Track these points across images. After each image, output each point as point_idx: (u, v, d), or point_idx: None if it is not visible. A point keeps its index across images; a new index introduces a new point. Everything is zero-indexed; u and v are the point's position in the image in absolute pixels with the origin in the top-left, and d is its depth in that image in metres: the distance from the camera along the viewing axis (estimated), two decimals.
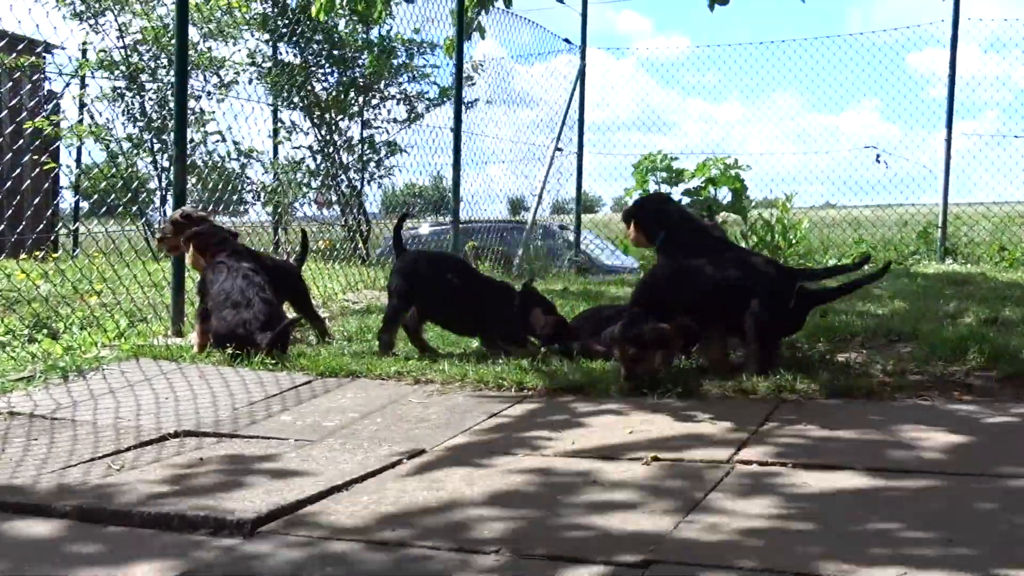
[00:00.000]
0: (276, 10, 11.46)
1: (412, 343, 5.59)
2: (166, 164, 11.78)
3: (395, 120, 12.38)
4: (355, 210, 12.16)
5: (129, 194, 11.51)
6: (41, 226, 8.49)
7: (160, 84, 11.90)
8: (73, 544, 2.77)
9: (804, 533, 2.60)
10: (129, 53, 11.99)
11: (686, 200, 11.95)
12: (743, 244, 11.59)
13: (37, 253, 8.57)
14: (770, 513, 2.79)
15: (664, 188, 12.03)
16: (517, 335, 5.34)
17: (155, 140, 11.92)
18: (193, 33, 11.49)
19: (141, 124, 12.05)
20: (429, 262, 5.74)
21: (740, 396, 4.31)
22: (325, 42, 11.86)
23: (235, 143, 10.85)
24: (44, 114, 11.03)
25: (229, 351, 5.42)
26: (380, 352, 5.44)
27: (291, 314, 5.95)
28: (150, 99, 12.04)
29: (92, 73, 12.10)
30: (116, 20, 11.90)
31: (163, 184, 12.12)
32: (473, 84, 11.82)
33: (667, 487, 3.08)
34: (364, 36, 11.96)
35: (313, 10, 7.78)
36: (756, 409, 4.07)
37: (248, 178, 11.70)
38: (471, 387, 4.72)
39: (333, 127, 12.06)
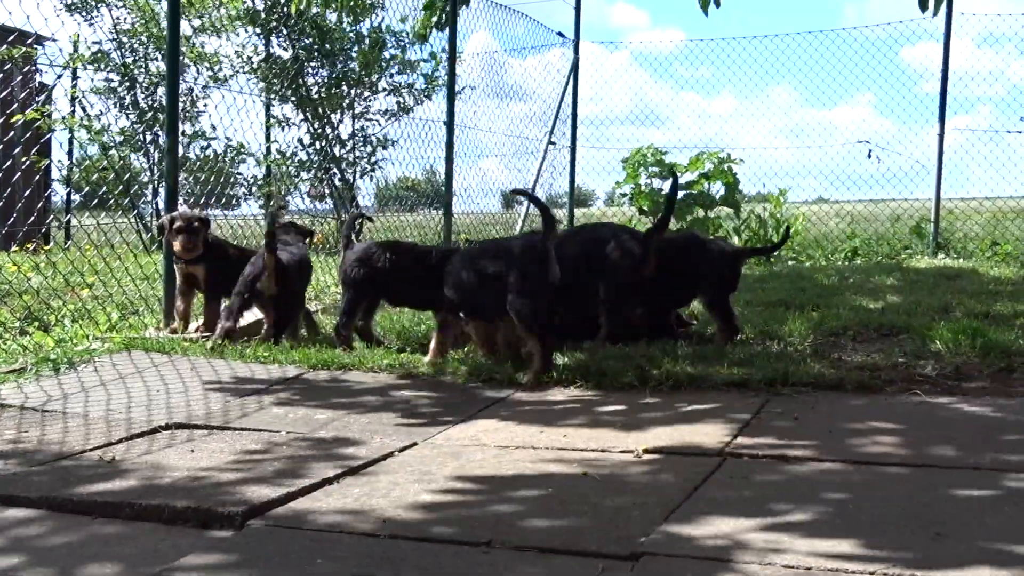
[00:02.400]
0: (266, 4, 11.41)
1: (360, 337, 5.57)
2: (158, 157, 11.74)
3: (385, 111, 12.35)
4: (348, 203, 12.14)
5: (121, 187, 11.47)
6: (32, 219, 8.47)
7: (151, 77, 11.86)
8: (65, 535, 2.76)
9: (796, 525, 2.60)
10: (122, 46, 11.95)
11: (681, 193, 11.95)
12: (736, 239, 11.63)
13: (28, 245, 8.55)
14: (762, 506, 2.80)
15: (656, 182, 12.04)
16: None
17: (147, 133, 11.88)
18: (185, 27, 11.46)
19: (133, 117, 12.01)
20: (383, 248, 5.64)
21: (733, 389, 4.31)
22: (316, 36, 11.83)
23: (227, 139, 10.82)
24: (35, 106, 10.98)
25: (220, 342, 5.45)
26: (340, 345, 5.38)
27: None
28: (142, 92, 12.00)
29: (84, 66, 12.05)
30: (111, 14, 11.87)
31: (155, 176, 12.08)
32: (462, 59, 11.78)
33: (658, 479, 3.08)
34: (354, 29, 11.91)
35: (292, 7, 7.70)
36: (748, 402, 4.07)
37: (240, 174, 11.68)
38: (463, 379, 4.72)
39: (325, 120, 12.03)
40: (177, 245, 5.87)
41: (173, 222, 5.90)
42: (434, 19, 8.49)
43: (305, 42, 11.64)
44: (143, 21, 11.62)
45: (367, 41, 11.82)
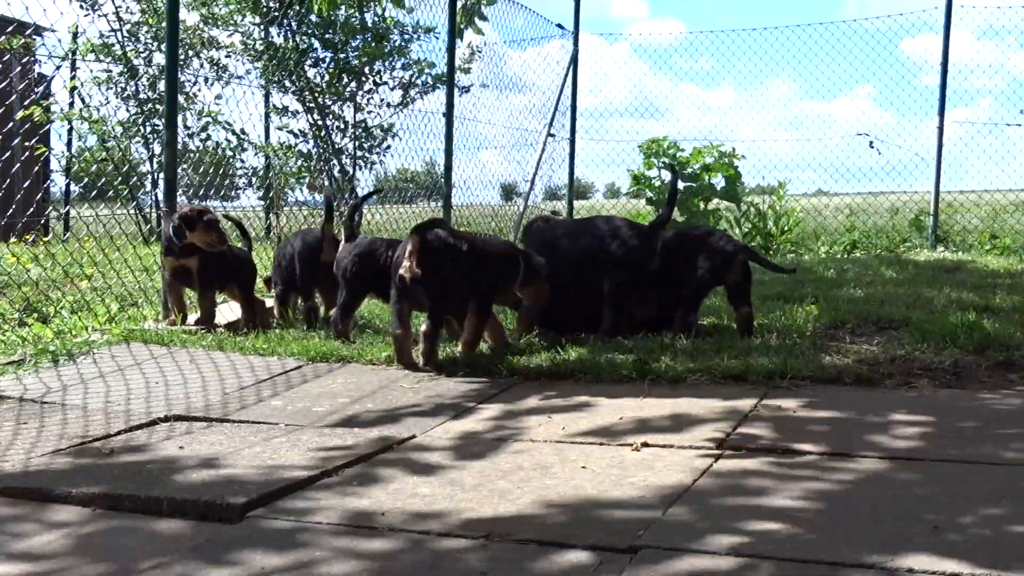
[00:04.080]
0: None
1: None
2: (158, 148, 11.72)
3: (388, 104, 12.33)
4: (347, 195, 12.12)
5: (120, 178, 11.46)
6: (31, 210, 8.46)
7: (153, 68, 11.84)
8: (65, 528, 2.77)
9: (795, 518, 2.61)
10: (124, 37, 11.92)
11: (682, 185, 11.96)
12: (736, 231, 11.63)
13: (27, 237, 8.54)
14: (760, 499, 2.80)
15: (666, 173, 12.03)
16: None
17: (146, 124, 11.87)
18: (188, 17, 11.45)
19: (134, 109, 11.98)
20: (386, 245, 5.50)
21: (731, 382, 4.31)
22: (319, 26, 11.79)
23: (229, 125, 10.77)
24: (35, 97, 10.96)
25: (221, 332, 5.49)
26: (338, 339, 5.27)
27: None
28: (143, 83, 11.97)
29: (83, 57, 12.03)
30: (114, 3, 11.83)
31: (154, 168, 12.06)
32: (469, 71, 11.78)
33: (657, 472, 3.09)
34: (358, 19, 11.87)
35: (315, 6, 7.63)
36: (747, 395, 4.08)
37: (242, 161, 11.66)
38: (462, 372, 4.72)
39: (325, 111, 12.01)
40: (210, 239, 5.78)
41: (202, 215, 5.79)
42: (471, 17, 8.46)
43: (306, 29, 11.59)
44: (144, 11, 11.59)
45: (370, 33, 11.77)
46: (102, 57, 11.94)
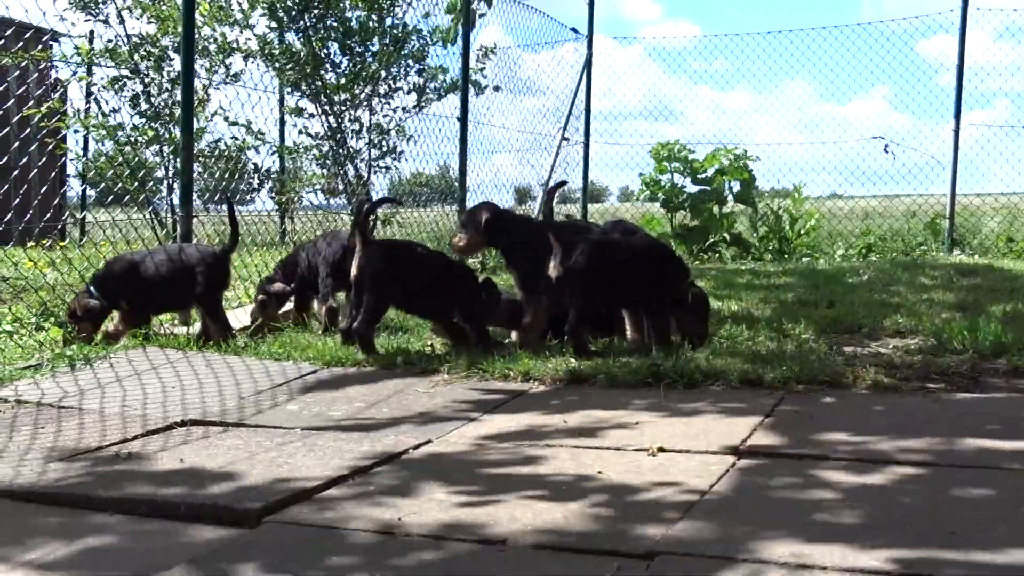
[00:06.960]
0: None
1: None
2: (172, 156, 11.75)
3: (403, 109, 12.34)
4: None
5: (136, 183, 11.50)
6: (48, 215, 8.52)
7: (165, 73, 11.87)
8: (82, 531, 2.78)
9: (811, 525, 2.60)
10: (134, 42, 11.95)
11: (696, 188, 11.96)
12: (752, 235, 11.62)
13: (44, 241, 8.58)
14: (776, 505, 2.79)
15: (678, 177, 12.04)
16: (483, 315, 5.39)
17: (161, 129, 11.90)
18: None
19: (149, 114, 12.01)
20: (400, 248, 5.56)
21: (747, 387, 4.30)
22: (336, 29, 11.79)
23: (246, 124, 10.77)
24: (51, 101, 11.02)
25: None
26: (367, 352, 5.14)
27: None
28: (154, 90, 12.00)
29: (100, 63, 12.07)
30: (118, 10, 11.86)
31: (170, 172, 12.09)
32: (483, 69, 11.78)
33: (673, 477, 3.08)
34: (375, 23, 11.87)
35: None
36: (762, 400, 4.07)
37: (255, 166, 11.67)
38: (477, 377, 4.72)
39: (341, 114, 12.01)
40: None
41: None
42: (459, 23, 8.52)
43: (322, 33, 11.59)
44: (153, 16, 11.62)
45: (388, 38, 11.77)
46: (108, 62, 11.95)
